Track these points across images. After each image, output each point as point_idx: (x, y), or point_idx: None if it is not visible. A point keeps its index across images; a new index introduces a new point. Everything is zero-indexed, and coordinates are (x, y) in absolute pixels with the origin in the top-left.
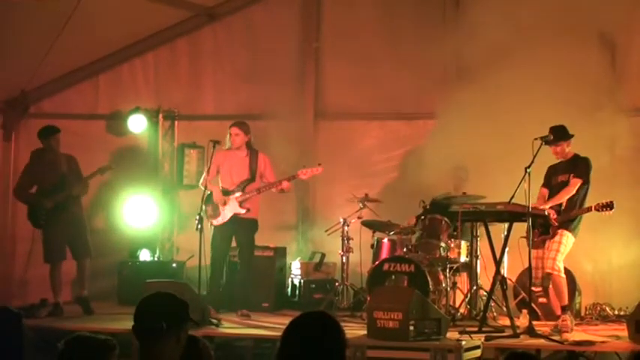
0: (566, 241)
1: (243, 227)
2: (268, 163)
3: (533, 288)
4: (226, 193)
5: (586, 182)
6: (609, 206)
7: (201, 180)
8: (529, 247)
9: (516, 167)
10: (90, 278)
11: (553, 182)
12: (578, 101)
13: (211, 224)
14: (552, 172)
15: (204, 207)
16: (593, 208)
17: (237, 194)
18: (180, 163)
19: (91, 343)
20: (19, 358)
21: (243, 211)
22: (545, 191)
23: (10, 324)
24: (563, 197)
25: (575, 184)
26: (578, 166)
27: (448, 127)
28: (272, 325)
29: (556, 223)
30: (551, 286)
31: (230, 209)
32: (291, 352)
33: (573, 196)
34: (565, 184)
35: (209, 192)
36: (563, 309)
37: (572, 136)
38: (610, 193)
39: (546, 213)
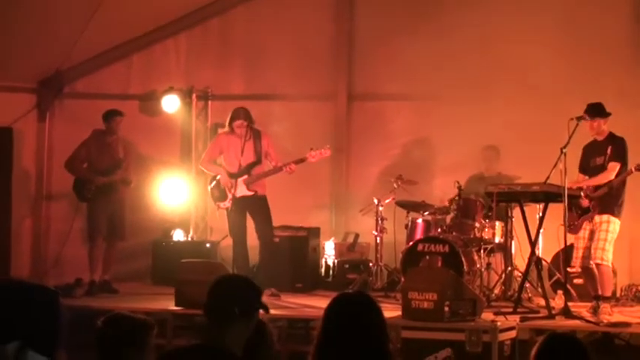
0: (614, 228)
1: (255, 205)
2: (271, 141)
3: (568, 269)
4: (232, 176)
5: (625, 165)
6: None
7: (201, 160)
8: (565, 228)
9: (551, 147)
10: (124, 258)
11: (591, 164)
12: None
13: (219, 207)
14: (588, 153)
15: (210, 190)
16: (633, 169)
17: (244, 177)
18: None
19: (130, 322)
20: (55, 337)
21: (250, 193)
22: (582, 177)
23: (47, 302)
24: (600, 181)
25: (614, 168)
26: (615, 148)
27: (478, 107)
28: (305, 306)
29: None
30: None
31: (238, 192)
32: (335, 330)
33: (613, 180)
34: (602, 167)
35: (213, 174)
36: (606, 299)
37: (610, 114)
38: None
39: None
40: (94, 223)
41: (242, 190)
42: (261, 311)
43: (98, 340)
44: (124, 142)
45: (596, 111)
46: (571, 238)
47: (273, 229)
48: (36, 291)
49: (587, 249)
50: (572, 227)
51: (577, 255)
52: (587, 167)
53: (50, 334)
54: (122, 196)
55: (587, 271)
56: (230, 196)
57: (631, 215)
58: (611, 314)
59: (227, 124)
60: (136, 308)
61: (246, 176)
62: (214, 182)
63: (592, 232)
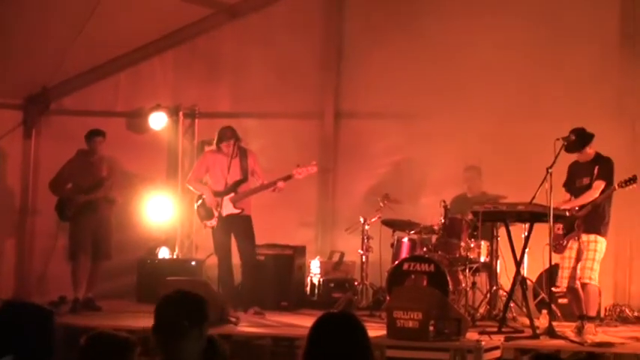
0: (601, 247)
1: (239, 225)
2: (257, 160)
3: (553, 288)
4: (218, 194)
5: (610, 184)
6: (633, 180)
7: (188, 179)
8: (550, 247)
9: (537, 167)
10: (109, 276)
11: (577, 184)
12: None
13: (205, 227)
14: (574, 172)
15: (196, 208)
16: (617, 187)
17: (231, 195)
18: None
19: (113, 341)
20: (48, 354)
21: (237, 211)
22: (568, 196)
23: (42, 320)
24: (585, 200)
25: (599, 186)
26: (602, 167)
27: (463, 127)
28: (290, 325)
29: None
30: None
31: (224, 210)
32: (319, 352)
33: (597, 198)
34: (588, 187)
35: (199, 193)
36: (591, 319)
37: (593, 135)
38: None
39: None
40: (76, 241)
41: (229, 209)
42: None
43: (80, 358)
44: (109, 160)
45: (581, 141)
46: (557, 258)
47: (256, 249)
48: (32, 309)
49: (574, 269)
50: (558, 247)
51: (562, 275)
52: (573, 187)
53: (43, 351)
54: (106, 214)
55: (572, 291)
56: (216, 214)
57: (615, 236)
58: (596, 334)
59: (215, 143)
60: (120, 326)
61: (232, 194)
62: (200, 201)
63: (579, 252)
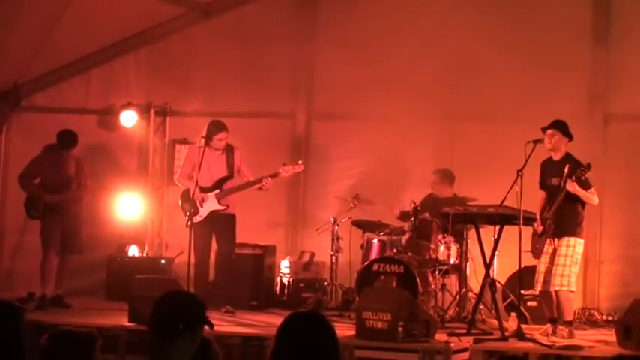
0: (575, 250)
1: (222, 223)
2: (243, 158)
3: (526, 291)
4: (204, 190)
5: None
6: (587, 167)
7: (176, 176)
8: (519, 250)
9: (507, 169)
10: (78, 273)
11: (547, 183)
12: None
13: (189, 222)
14: (545, 171)
15: (181, 204)
16: (574, 178)
17: (216, 191)
18: (171, 159)
19: (73, 338)
20: (19, 353)
21: (222, 207)
22: (544, 194)
23: (12, 319)
24: (586, 199)
25: (593, 193)
26: (571, 168)
27: (434, 128)
28: (260, 324)
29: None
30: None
31: (208, 206)
32: (286, 351)
33: (559, 199)
34: (557, 188)
35: (184, 189)
36: (567, 323)
37: (570, 135)
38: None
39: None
40: (46, 238)
41: (213, 205)
42: (208, 328)
43: (41, 356)
44: (77, 158)
45: (558, 125)
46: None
47: (234, 249)
48: (1, 306)
49: (548, 272)
50: (536, 251)
51: (537, 278)
52: (545, 185)
53: (13, 350)
54: (75, 212)
55: (545, 295)
56: (201, 210)
57: (585, 239)
58: (570, 337)
59: (205, 136)
60: (89, 323)
61: (217, 191)
62: (185, 197)
63: (553, 255)
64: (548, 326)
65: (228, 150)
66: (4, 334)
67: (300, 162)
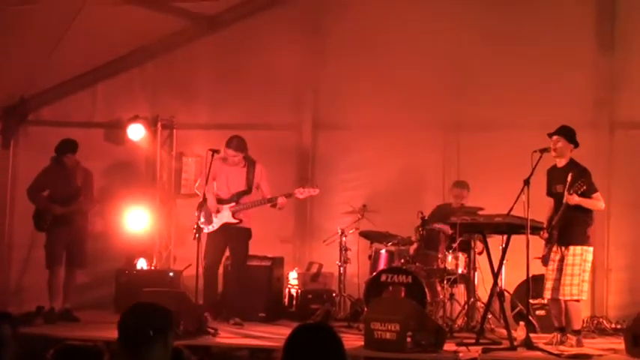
0: (588, 257)
1: (235, 236)
2: (265, 174)
3: (535, 300)
4: (221, 202)
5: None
6: (583, 182)
7: (197, 184)
8: (527, 259)
9: (513, 178)
10: (87, 286)
11: (553, 191)
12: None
13: (201, 232)
14: (551, 178)
15: (196, 213)
16: (572, 192)
17: (232, 204)
18: (178, 171)
19: (80, 352)
20: None
21: (235, 221)
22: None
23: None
24: (591, 206)
25: (598, 198)
26: (575, 177)
27: (442, 138)
28: (268, 336)
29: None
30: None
31: (222, 218)
32: None
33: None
34: (562, 195)
35: (202, 199)
36: (576, 332)
37: (576, 142)
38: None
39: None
40: (51, 252)
41: (227, 217)
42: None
43: None
44: (84, 169)
45: (565, 131)
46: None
47: (247, 262)
48: None
49: (557, 280)
50: (544, 259)
51: (546, 286)
52: (551, 193)
53: None
54: (81, 224)
55: (554, 303)
56: (215, 220)
57: (593, 247)
58: (579, 346)
59: (223, 150)
60: (98, 337)
61: (233, 204)
62: (201, 206)
63: (560, 264)
64: (555, 335)
65: (250, 164)
66: None
67: (316, 185)
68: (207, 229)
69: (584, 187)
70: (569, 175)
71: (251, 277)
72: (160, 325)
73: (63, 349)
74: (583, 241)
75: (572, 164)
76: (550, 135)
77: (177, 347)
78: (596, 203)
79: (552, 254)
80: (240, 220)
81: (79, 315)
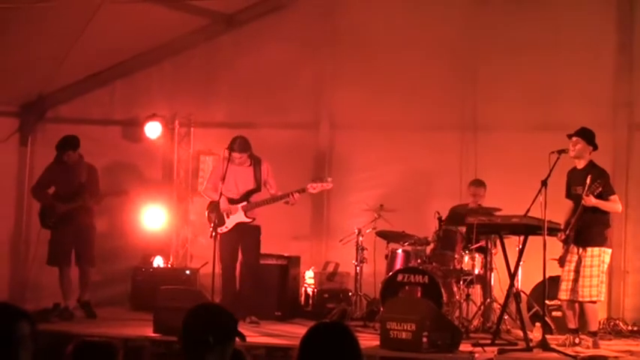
0: (606, 258)
1: (247, 234)
2: (271, 171)
3: (550, 301)
4: (232, 202)
5: (607, 193)
6: (600, 183)
7: (202, 187)
8: (544, 260)
9: (531, 179)
10: (103, 283)
11: (572, 192)
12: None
13: (215, 233)
14: (571, 179)
15: (207, 214)
16: (588, 193)
17: (243, 203)
18: (195, 170)
19: (98, 348)
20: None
21: (248, 220)
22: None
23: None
24: (608, 209)
25: (615, 200)
26: (594, 179)
27: (459, 138)
28: (285, 334)
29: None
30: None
31: (235, 218)
32: (312, 359)
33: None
34: (580, 197)
35: (210, 200)
36: (592, 334)
37: (595, 144)
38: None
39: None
40: (55, 250)
41: (239, 217)
42: (238, 340)
43: None
44: (88, 167)
45: (584, 133)
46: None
47: (259, 260)
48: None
49: (574, 281)
50: (561, 260)
51: (561, 287)
52: (570, 195)
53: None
54: (87, 222)
55: (569, 304)
56: (227, 221)
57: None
58: (595, 347)
59: (228, 149)
60: (114, 334)
61: (245, 203)
62: (212, 207)
63: (578, 265)
64: (568, 337)
65: (256, 162)
66: None
67: (329, 179)
68: (219, 230)
69: (600, 189)
70: (589, 176)
71: (267, 276)
72: (221, 334)
73: (81, 344)
74: (601, 242)
75: (591, 166)
76: (570, 136)
77: (238, 350)
78: (613, 205)
79: (569, 255)
80: (254, 219)
81: (95, 312)
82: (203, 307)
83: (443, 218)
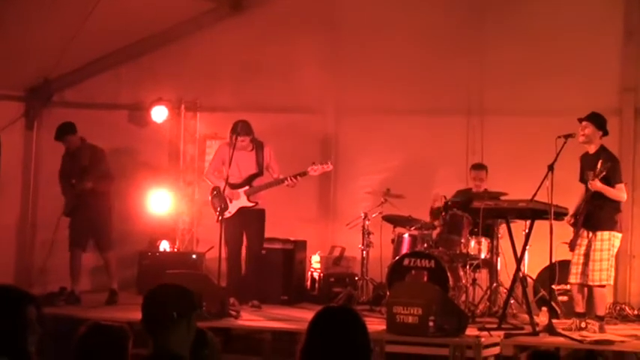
0: (616, 242)
1: (251, 218)
2: (273, 155)
3: (559, 285)
4: (234, 186)
5: (614, 181)
6: (603, 169)
7: (205, 172)
8: (550, 244)
9: (538, 164)
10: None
11: (585, 177)
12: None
13: (219, 218)
14: (583, 164)
15: (210, 199)
16: (593, 177)
17: (245, 188)
18: (201, 154)
19: (110, 331)
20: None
21: (251, 204)
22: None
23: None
24: (612, 195)
25: (621, 189)
26: (608, 167)
27: (466, 123)
28: (291, 319)
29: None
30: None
31: (238, 203)
32: (318, 346)
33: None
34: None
35: (213, 185)
36: (599, 318)
37: (605, 130)
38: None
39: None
40: (72, 235)
41: (243, 201)
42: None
43: (77, 348)
44: (90, 148)
45: (594, 117)
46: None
47: (263, 243)
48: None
49: (584, 264)
50: (572, 244)
51: (571, 271)
52: (582, 179)
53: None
54: (99, 205)
55: (578, 288)
56: (230, 206)
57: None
58: (601, 332)
59: (229, 135)
60: (121, 318)
61: (247, 187)
62: (215, 192)
63: (588, 249)
64: (574, 321)
65: (258, 146)
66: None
67: (329, 162)
68: (225, 215)
69: (604, 172)
70: (599, 161)
71: (273, 260)
72: (184, 308)
73: (94, 325)
74: (611, 226)
75: (602, 151)
76: (580, 120)
77: (201, 329)
78: (618, 194)
79: (579, 239)
80: (256, 203)
81: (101, 296)
82: (161, 287)
83: (449, 202)
